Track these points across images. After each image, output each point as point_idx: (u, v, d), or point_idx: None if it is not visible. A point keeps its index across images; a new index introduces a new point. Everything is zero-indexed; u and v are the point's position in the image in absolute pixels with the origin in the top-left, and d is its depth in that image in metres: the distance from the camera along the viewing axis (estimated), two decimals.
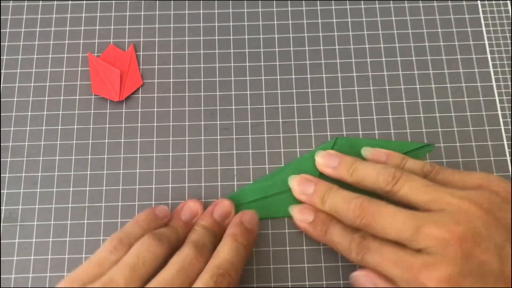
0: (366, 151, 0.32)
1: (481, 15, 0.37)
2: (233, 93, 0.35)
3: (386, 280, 0.27)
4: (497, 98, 0.35)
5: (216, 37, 0.36)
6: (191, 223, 0.30)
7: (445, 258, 0.24)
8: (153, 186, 0.33)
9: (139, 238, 0.28)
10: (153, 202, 0.32)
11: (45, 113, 0.34)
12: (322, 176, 0.32)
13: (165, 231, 0.29)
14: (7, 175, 0.33)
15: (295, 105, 0.35)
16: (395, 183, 0.28)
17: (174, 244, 0.28)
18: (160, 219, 0.30)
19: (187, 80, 0.35)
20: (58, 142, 0.34)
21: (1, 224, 0.32)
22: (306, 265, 0.31)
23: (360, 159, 0.31)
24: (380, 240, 0.27)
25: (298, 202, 0.32)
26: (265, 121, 0.34)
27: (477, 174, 0.29)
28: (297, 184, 0.31)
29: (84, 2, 0.37)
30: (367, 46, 0.36)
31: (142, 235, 0.28)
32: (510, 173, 0.33)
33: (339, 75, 0.35)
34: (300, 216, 0.30)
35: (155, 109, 0.34)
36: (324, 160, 0.31)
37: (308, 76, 0.35)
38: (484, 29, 0.37)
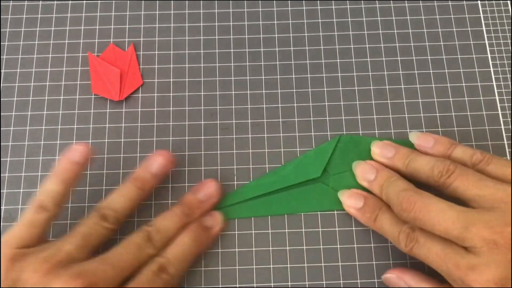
0: (414, 136, 0.32)
1: (481, 15, 0.37)
2: (233, 92, 0.35)
3: (420, 279, 0.27)
4: (497, 97, 0.35)
5: (216, 37, 0.36)
6: (206, 204, 0.31)
7: (493, 261, 0.23)
8: None
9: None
10: (153, 202, 0.32)
11: (45, 112, 0.34)
12: (324, 176, 0.32)
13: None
14: (7, 175, 0.33)
15: (295, 104, 0.35)
16: (448, 177, 0.27)
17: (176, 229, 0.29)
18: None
19: (187, 79, 0.35)
20: (58, 142, 0.34)
21: (1, 224, 0.32)
22: (306, 265, 0.31)
23: (416, 151, 0.30)
24: (428, 234, 0.26)
25: (300, 200, 0.32)
26: (265, 120, 0.34)
27: None
28: (360, 170, 0.31)
29: (84, 2, 0.37)
30: (367, 45, 0.36)
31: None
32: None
33: (339, 74, 0.35)
34: (349, 201, 0.31)
35: (155, 109, 0.34)
36: (380, 150, 0.31)
37: (308, 75, 0.35)
38: (484, 28, 0.37)
